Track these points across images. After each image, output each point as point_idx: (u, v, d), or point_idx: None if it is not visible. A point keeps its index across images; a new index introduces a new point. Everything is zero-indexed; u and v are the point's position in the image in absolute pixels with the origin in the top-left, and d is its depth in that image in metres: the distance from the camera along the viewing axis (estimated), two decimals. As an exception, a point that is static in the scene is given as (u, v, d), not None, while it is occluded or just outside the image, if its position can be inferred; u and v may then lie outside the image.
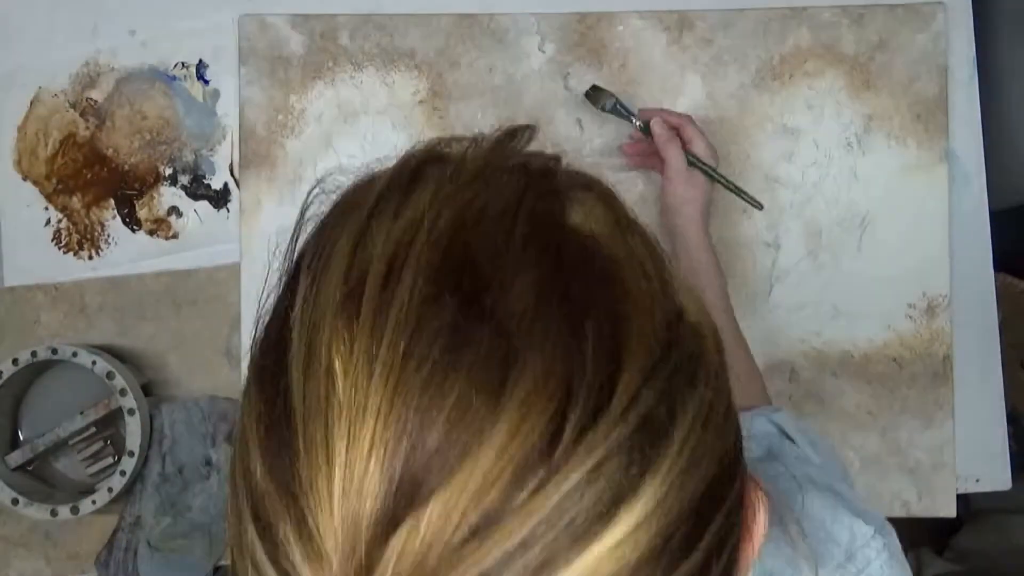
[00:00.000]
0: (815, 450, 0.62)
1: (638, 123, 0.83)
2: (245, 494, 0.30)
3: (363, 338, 0.28)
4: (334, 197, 0.34)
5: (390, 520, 0.26)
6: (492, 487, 0.26)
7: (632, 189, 0.88)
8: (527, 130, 0.35)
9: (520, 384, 0.27)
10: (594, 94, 0.85)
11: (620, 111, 0.84)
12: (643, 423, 0.28)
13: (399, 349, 0.27)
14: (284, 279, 0.33)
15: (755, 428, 0.62)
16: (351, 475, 0.27)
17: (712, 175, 0.80)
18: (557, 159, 0.35)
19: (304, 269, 0.32)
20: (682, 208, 0.80)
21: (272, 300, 0.33)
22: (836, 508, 0.49)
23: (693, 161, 0.80)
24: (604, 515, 0.26)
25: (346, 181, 0.35)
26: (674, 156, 0.79)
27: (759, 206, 0.84)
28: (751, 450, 0.59)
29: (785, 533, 0.46)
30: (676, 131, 0.81)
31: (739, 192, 0.83)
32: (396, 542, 0.26)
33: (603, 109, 0.84)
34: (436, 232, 0.30)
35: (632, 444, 0.27)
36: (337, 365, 0.28)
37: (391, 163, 0.34)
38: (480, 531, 0.26)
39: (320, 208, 0.34)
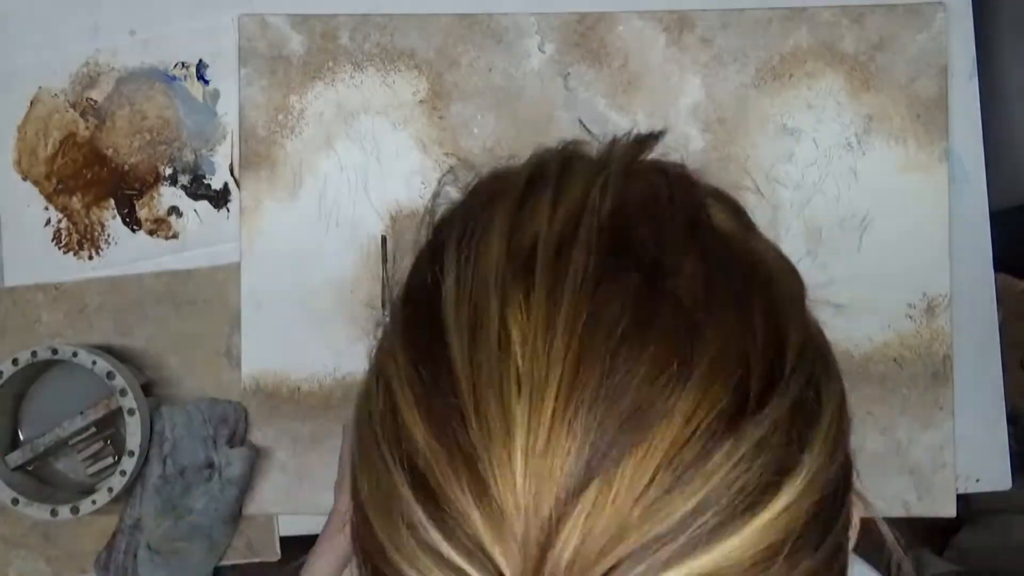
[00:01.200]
0: None
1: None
2: (397, 461, 0.30)
3: (540, 306, 0.29)
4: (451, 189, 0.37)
5: (581, 479, 0.27)
6: (682, 450, 0.27)
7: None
8: (660, 135, 0.37)
9: (706, 353, 0.29)
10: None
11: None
12: (798, 401, 0.30)
13: (581, 316, 0.29)
14: (424, 254, 0.35)
15: None
16: (535, 438, 0.27)
17: None
18: (683, 167, 0.37)
19: (452, 247, 0.33)
20: None
21: (405, 274, 0.35)
22: None
23: None
24: (770, 485, 0.28)
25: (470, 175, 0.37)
26: None
27: None
28: None
29: None
30: None
31: None
32: (586, 500, 0.27)
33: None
34: (601, 216, 0.32)
35: (791, 421, 0.29)
36: (514, 333, 0.29)
37: (519, 161, 0.37)
38: (670, 490, 0.27)
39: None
